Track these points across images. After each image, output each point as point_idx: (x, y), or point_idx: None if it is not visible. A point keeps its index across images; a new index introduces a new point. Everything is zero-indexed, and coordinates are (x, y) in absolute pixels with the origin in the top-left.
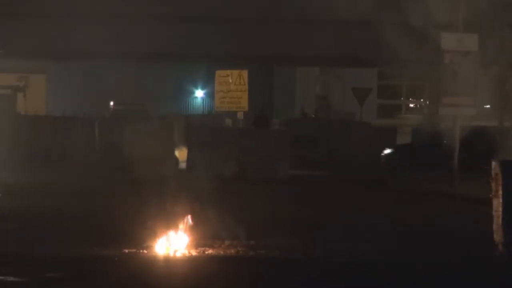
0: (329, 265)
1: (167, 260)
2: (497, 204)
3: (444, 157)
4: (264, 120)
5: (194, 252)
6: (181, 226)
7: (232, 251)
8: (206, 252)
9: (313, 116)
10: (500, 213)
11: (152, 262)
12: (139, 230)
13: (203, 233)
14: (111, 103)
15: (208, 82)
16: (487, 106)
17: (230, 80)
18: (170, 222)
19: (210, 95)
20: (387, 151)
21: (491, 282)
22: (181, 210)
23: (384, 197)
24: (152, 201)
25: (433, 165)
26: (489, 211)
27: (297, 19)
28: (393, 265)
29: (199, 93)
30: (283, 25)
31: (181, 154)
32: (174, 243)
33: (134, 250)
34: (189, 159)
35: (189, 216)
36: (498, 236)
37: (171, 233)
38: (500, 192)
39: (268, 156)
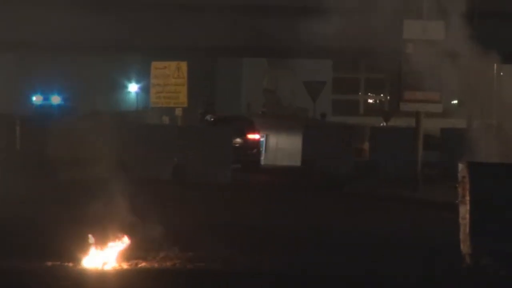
0: (274, 279)
1: (95, 274)
2: (465, 211)
3: None
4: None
5: (125, 265)
6: (112, 235)
7: (168, 263)
8: (139, 265)
9: (261, 112)
10: (468, 220)
11: (77, 276)
12: (65, 241)
13: (136, 244)
14: (34, 98)
15: (143, 75)
16: (454, 102)
17: (168, 73)
18: (99, 231)
19: (145, 90)
20: None
21: None
22: (111, 217)
23: (333, 202)
24: (79, 208)
25: None
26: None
27: (245, 4)
28: (345, 278)
29: (133, 87)
30: (226, 12)
31: (112, 154)
32: (103, 255)
33: (58, 263)
34: (121, 160)
35: (120, 224)
36: (465, 247)
37: (100, 243)
38: (468, 197)
39: (208, 157)
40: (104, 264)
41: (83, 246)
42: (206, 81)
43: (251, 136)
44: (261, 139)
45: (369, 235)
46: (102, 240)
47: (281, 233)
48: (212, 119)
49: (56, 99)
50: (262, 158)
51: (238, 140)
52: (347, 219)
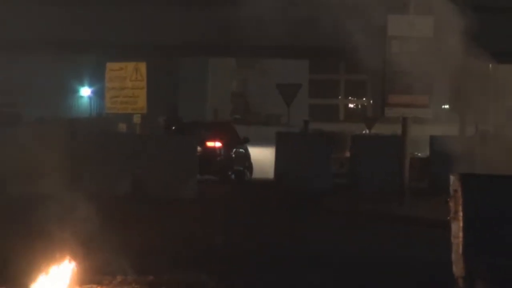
0: None
1: None
2: (457, 229)
3: None
4: (178, 124)
5: None
6: (63, 257)
7: None
8: None
9: (233, 118)
10: (461, 239)
11: None
12: (11, 263)
13: (90, 266)
14: None
15: (97, 78)
16: (445, 107)
17: (125, 75)
18: (50, 252)
19: (99, 94)
20: None
21: None
22: (63, 237)
23: (310, 219)
24: (27, 227)
25: None
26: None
27: None
28: None
29: (86, 91)
30: (188, 5)
31: (64, 167)
32: (53, 279)
33: None
34: (73, 174)
35: (72, 245)
36: (458, 268)
37: (51, 266)
38: (461, 213)
39: (171, 169)
40: None
41: (31, 269)
42: (167, 84)
43: (210, 144)
44: (235, 149)
45: (351, 256)
46: (52, 263)
47: (252, 253)
48: (173, 127)
49: None
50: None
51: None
52: (326, 238)
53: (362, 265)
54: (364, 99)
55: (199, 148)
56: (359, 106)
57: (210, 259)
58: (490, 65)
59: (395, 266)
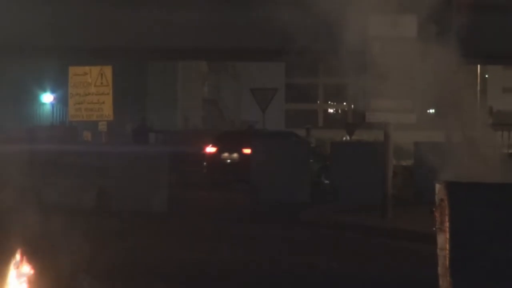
0: None
1: None
2: (443, 240)
3: None
4: (144, 133)
5: None
6: (16, 274)
7: None
8: None
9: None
10: (447, 252)
11: None
12: None
13: (45, 286)
14: None
15: (60, 83)
16: (430, 111)
17: (89, 80)
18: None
19: (62, 100)
20: None
21: None
22: (18, 254)
23: (286, 233)
24: None
25: None
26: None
27: None
28: None
29: (48, 98)
30: (155, 6)
31: (23, 179)
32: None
33: None
34: (35, 186)
35: (27, 263)
36: (445, 282)
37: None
38: (447, 224)
39: (140, 181)
40: None
41: None
42: (135, 90)
43: (246, 151)
44: None
45: (330, 274)
46: (4, 281)
47: (223, 272)
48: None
49: None
50: None
51: (235, 155)
52: (303, 255)
53: (340, 282)
54: (344, 103)
55: (235, 155)
56: (339, 111)
57: (175, 279)
58: (478, 66)
59: (378, 282)
